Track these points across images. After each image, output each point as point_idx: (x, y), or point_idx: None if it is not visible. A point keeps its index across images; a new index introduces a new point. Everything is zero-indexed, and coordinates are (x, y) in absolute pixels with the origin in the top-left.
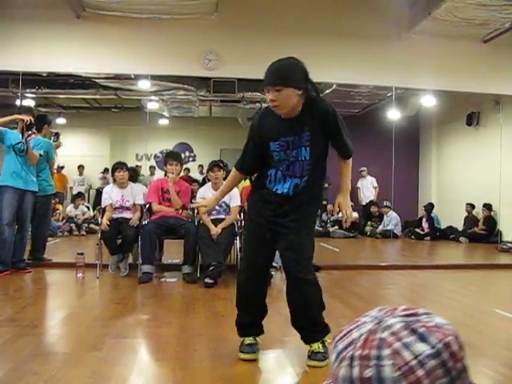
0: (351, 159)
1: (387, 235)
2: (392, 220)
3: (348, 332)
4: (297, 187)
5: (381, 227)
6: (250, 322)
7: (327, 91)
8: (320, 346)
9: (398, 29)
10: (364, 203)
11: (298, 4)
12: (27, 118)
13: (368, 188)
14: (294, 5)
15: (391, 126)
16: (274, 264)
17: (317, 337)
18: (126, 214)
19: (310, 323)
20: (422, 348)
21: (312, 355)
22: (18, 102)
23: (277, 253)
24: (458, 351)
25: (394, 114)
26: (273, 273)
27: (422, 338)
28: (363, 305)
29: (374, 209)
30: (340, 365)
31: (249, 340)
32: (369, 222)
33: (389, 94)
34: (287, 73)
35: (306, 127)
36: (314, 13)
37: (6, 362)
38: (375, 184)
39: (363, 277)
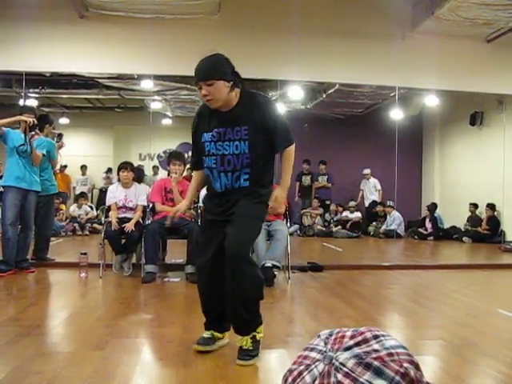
0: (291, 154)
1: (390, 235)
2: (395, 220)
3: (299, 374)
4: (238, 179)
5: (384, 227)
6: (208, 319)
7: (330, 91)
8: (249, 341)
9: (401, 28)
10: (367, 205)
11: (300, 3)
12: (30, 119)
13: (371, 191)
14: (296, 4)
15: (394, 126)
16: (277, 264)
17: (248, 327)
18: (129, 214)
19: (244, 308)
20: None
21: (239, 353)
22: (21, 102)
23: (279, 250)
24: (415, 375)
25: (397, 114)
26: (276, 273)
27: (378, 373)
28: (366, 305)
29: (379, 208)
30: None
31: (206, 334)
32: (374, 223)
33: (392, 94)
34: (216, 67)
35: (243, 121)
36: (317, 12)
37: (9, 362)
38: (378, 187)
39: (366, 277)
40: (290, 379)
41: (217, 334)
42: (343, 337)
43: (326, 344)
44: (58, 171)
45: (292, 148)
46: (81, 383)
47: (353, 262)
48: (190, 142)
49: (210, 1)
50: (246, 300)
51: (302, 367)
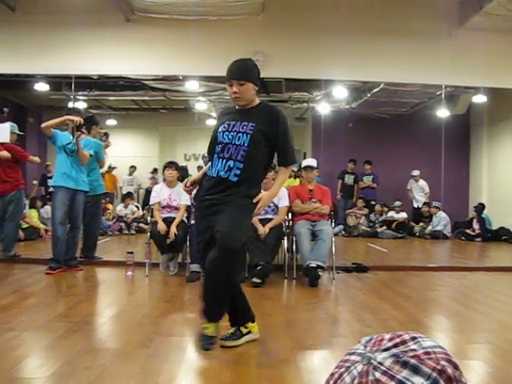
0: (287, 170)
1: (436, 236)
2: (441, 220)
3: (339, 376)
4: (229, 170)
5: (430, 228)
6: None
7: (375, 90)
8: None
9: (447, 25)
10: (416, 206)
11: (345, 3)
12: (77, 118)
13: (419, 192)
14: (341, 3)
15: (440, 125)
16: (322, 264)
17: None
18: (174, 214)
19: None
20: (418, 381)
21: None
22: (70, 105)
23: (323, 251)
24: (453, 373)
25: (443, 113)
26: (320, 273)
27: (415, 370)
28: (412, 306)
29: (424, 208)
30: None
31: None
32: (420, 223)
33: (438, 93)
34: (249, 70)
35: (252, 119)
36: (362, 11)
37: (59, 356)
38: (427, 190)
39: (412, 278)
40: (331, 382)
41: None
42: (382, 340)
43: (365, 347)
44: (105, 171)
45: (288, 169)
46: (128, 379)
47: (398, 263)
48: None
49: (254, 1)
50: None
51: (342, 369)
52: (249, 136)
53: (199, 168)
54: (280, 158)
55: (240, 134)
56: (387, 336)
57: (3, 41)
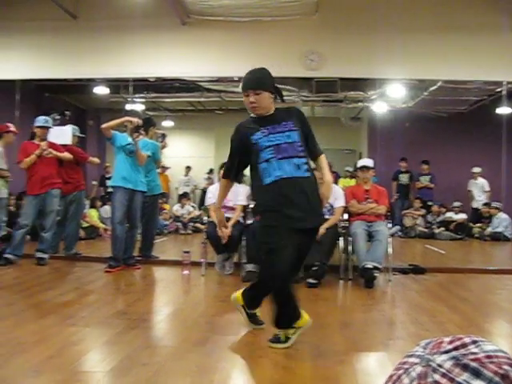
0: (324, 157)
1: (497, 238)
2: (502, 222)
3: (398, 378)
4: (298, 167)
5: (490, 229)
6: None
7: (432, 88)
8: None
9: (509, 19)
10: (475, 206)
11: (401, 0)
12: (136, 120)
13: (479, 192)
14: (397, 1)
15: (501, 123)
16: (378, 265)
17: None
18: (229, 214)
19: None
20: None
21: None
22: (128, 107)
23: (379, 252)
24: None
25: (504, 110)
26: (376, 274)
27: (476, 374)
28: (471, 310)
29: (484, 209)
30: None
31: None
32: (479, 224)
33: (498, 89)
34: (264, 80)
35: (286, 119)
36: (417, 7)
37: (118, 352)
38: (487, 188)
39: (471, 281)
40: (389, 382)
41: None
42: (441, 342)
43: (424, 349)
44: (160, 171)
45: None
46: (184, 376)
47: (457, 265)
48: None
49: (308, 1)
50: None
51: (400, 371)
52: (296, 132)
53: None
54: (314, 149)
55: (288, 133)
56: (447, 339)
57: (66, 47)
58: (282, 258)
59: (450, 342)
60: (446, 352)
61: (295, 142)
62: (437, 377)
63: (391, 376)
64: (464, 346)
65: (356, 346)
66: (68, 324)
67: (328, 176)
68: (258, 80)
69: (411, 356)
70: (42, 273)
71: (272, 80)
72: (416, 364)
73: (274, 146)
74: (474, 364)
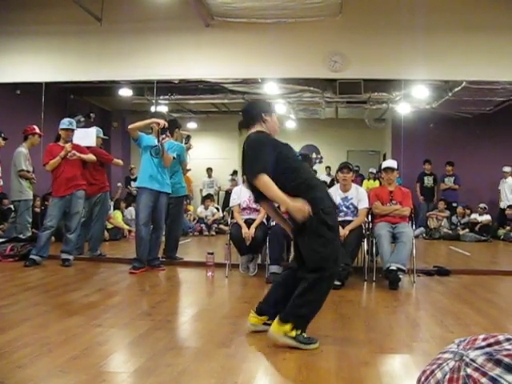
0: (258, 183)
1: None
2: None
3: (431, 373)
4: None
5: None
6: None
7: (456, 89)
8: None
9: None
10: (502, 207)
11: (424, 0)
12: (162, 121)
13: (507, 192)
14: (420, 1)
15: None
16: (402, 267)
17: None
18: (254, 215)
19: None
20: (511, 379)
21: None
22: (152, 109)
23: (404, 253)
24: None
25: None
26: (400, 276)
27: (509, 369)
28: (497, 312)
29: (509, 211)
30: None
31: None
32: (506, 226)
33: None
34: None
35: None
36: (441, 7)
37: (143, 353)
38: None
39: (497, 283)
40: (422, 378)
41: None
42: (476, 339)
43: (458, 346)
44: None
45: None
46: (208, 378)
47: (482, 266)
48: (313, 144)
49: (332, 2)
50: None
51: (434, 366)
52: None
53: None
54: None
55: None
56: (481, 336)
57: (90, 50)
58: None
59: (484, 339)
60: (480, 348)
61: None
62: (469, 370)
63: (425, 371)
64: (498, 343)
65: (380, 347)
66: (93, 325)
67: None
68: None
69: (445, 352)
70: (67, 274)
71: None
72: (449, 359)
73: None
74: (507, 359)
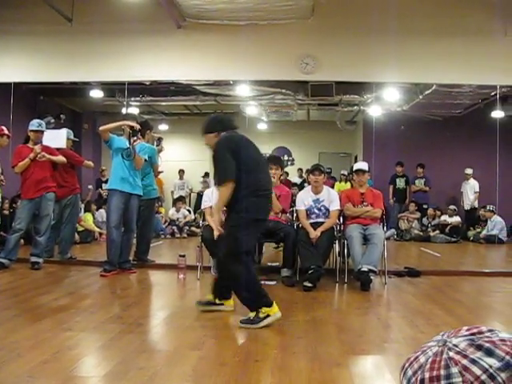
0: (222, 188)
1: (491, 240)
2: (496, 225)
3: (415, 358)
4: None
5: (484, 232)
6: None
7: (427, 92)
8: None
9: (503, 23)
10: (466, 208)
11: (395, 4)
12: (135, 124)
13: (469, 193)
14: (392, 5)
15: (495, 127)
16: (373, 268)
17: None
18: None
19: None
20: (491, 362)
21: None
22: (123, 110)
23: (375, 255)
24: None
25: (498, 114)
26: (372, 277)
27: (489, 353)
28: (466, 312)
29: (483, 212)
30: None
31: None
32: (475, 227)
33: (493, 93)
34: (205, 125)
35: None
36: (413, 12)
37: (114, 357)
38: (476, 189)
39: (466, 283)
40: (406, 364)
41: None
42: (460, 330)
43: (442, 336)
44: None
45: (222, 188)
46: (180, 381)
47: (451, 267)
48: (285, 146)
49: (304, 5)
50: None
51: (418, 353)
52: None
53: None
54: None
55: None
56: (465, 327)
57: (61, 50)
58: None
59: (468, 330)
60: (463, 336)
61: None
62: (451, 354)
63: (409, 358)
64: (480, 332)
65: (352, 349)
66: (63, 329)
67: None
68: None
69: (430, 341)
70: (37, 277)
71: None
72: (433, 346)
73: None
74: (487, 345)
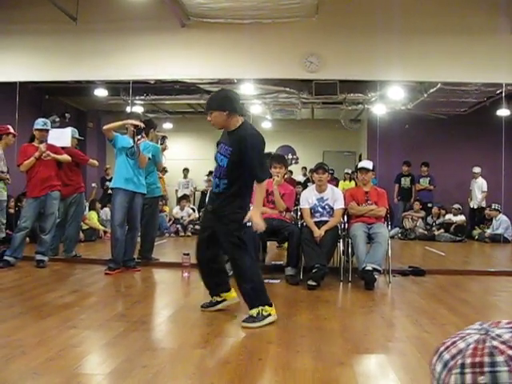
0: (262, 185)
1: (497, 239)
2: (502, 224)
3: (452, 343)
4: (218, 186)
5: (489, 231)
6: (209, 286)
7: (431, 90)
8: (255, 312)
9: (508, 21)
10: (472, 206)
11: (400, 2)
12: (139, 122)
13: (476, 193)
14: (396, 4)
15: (501, 125)
16: (377, 267)
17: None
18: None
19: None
20: None
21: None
22: (128, 109)
23: (379, 254)
24: None
25: (503, 112)
26: (376, 276)
27: None
28: (471, 312)
29: (488, 211)
30: (449, 373)
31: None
32: (480, 226)
33: (498, 91)
34: (215, 100)
35: (232, 144)
36: (417, 10)
37: (118, 355)
38: (484, 188)
39: (471, 282)
40: (442, 348)
41: (221, 295)
42: (499, 322)
43: (481, 325)
44: (160, 174)
45: (263, 184)
46: (184, 379)
47: (456, 266)
48: (289, 145)
49: (308, 3)
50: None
51: (455, 338)
52: (226, 160)
53: None
54: (250, 173)
55: (224, 157)
56: (505, 321)
57: (65, 49)
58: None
59: (508, 323)
60: (505, 328)
61: (223, 167)
62: (495, 343)
63: (444, 342)
64: None
65: (356, 348)
66: (68, 326)
67: (256, 204)
68: (208, 102)
69: (467, 329)
70: (42, 275)
71: (225, 99)
72: (473, 333)
73: (217, 164)
74: None
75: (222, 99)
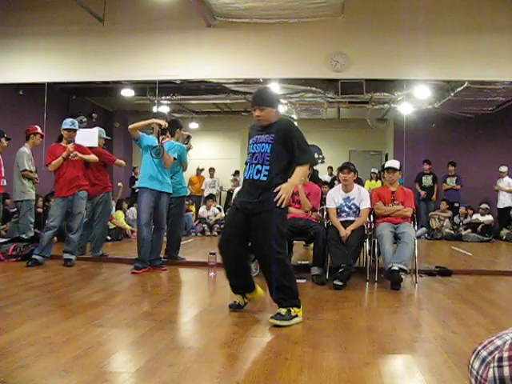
0: (306, 166)
1: None
2: None
3: (489, 342)
4: (259, 172)
5: None
6: (234, 285)
7: (458, 89)
8: (284, 310)
9: None
10: (500, 206)
11: (426, 0)
12: (163, 122)
13: (503, 192)
14: (422, 1)
15: None
16: (404, 267)
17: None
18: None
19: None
20: None
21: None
22: (154, 109)
23: (406, 254)
24: None
25: None
26: (402, 276)
27: None
28: (499, 313)
29: None
30: (487, 367)
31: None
32: (508, 226)
33: None
34: (268, 97)
35: (273, 131)
36: (443, 8)
37: (144, 353)
38: (510, 187)
39: (499, 283)
40: (479, 347)
41: (247, 296)
42: None
43: None
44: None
45: (305, 166)
46: (210, 378)
47: (484, 267)
48: (315, 144)
49: (334, 2)
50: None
51: (493, 338)
52: (270, 145)
53: None
54: (295, 157)
55: (266, 144)
56: None
57: (93, 50)
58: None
59: None
60: None
61: (266, 152)
62: None
63: (481, 343)
64: None
65: (382, 348)
66: (95, 325)
67: (292, 179)
68: (262, 97)
69: (505, 330)
70: (69, 274)
71: (275, 97)
72: (510, 332)
73: (254, 153)
74: None
75: (273, 97)
